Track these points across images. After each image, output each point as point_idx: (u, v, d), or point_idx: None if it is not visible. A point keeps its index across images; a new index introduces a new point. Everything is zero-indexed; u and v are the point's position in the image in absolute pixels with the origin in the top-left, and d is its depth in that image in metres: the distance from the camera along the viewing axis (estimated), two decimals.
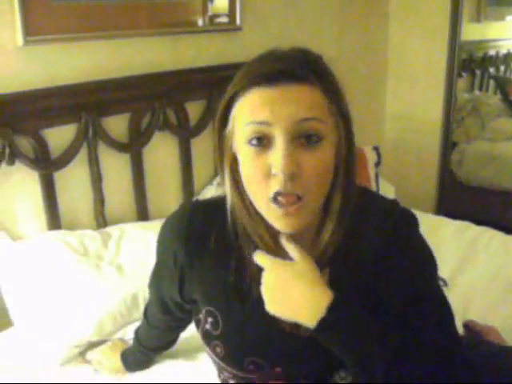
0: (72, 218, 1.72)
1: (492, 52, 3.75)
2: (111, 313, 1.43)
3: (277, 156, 0.76)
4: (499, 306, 1.64)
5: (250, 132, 0.78)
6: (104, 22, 1.65)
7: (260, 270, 0.86)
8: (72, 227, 1.69)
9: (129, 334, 1.41)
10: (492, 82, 3.80)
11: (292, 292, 0.82)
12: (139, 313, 1.43)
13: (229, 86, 0.83)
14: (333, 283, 0.85)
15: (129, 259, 1.61)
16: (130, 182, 1.86)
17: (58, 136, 1.63)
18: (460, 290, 1.73)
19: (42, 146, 1.59)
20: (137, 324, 1.30)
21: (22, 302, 1.48)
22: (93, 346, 1.41)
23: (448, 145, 3.09)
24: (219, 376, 0.99)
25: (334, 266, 0.87)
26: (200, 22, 1.94)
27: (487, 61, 3.73)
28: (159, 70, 1.85)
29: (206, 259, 0.91)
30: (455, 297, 1.54)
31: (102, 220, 1.77)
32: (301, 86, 0.78)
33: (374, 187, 2.02)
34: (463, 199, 3.44)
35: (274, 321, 0.86)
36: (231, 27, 2.03)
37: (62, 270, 1.50)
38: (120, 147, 1.79)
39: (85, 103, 1.64)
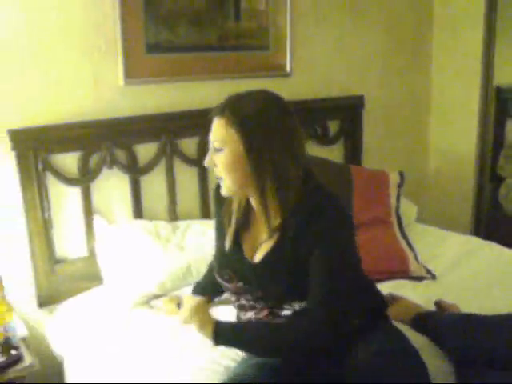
0: (151, 211, 2.32)
1: None
2: (171, 276, 1.98)
3: None
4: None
5: None
6: (181, 69, 2.27)
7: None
8: (150, 218, 2.29)
9: (183, 292, 1.95)
10: None
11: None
12: (192, 278, 1.97)
13: None
14: (276, 247, 1.37)
15: (190, 243, 2.17)
16: (196, 189, 2.44)
17: (144, 150, 2.24)
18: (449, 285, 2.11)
19: (132, 157, 2.21)
20: (190, 286, 1.84)
21: (111, 265, 2.08)
22: (155, 297, 1.97)
23: (484, 176, 3.43)
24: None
25: (279, 235, 1.37)
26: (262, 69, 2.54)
27: None
28: None
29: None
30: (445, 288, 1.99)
31: (173, 215, 2.36)
32: (220, 118, 1.33)
33: (394, 204, 2.47)
34: (509, 231, 3.72)
35: (240, 252, 1.43)
36: (283, 73, 2.59)
37: (141, 245, 2.09)
38: (190, 162, 2.37)
39: (164, 127, 2.25)
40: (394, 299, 1.84)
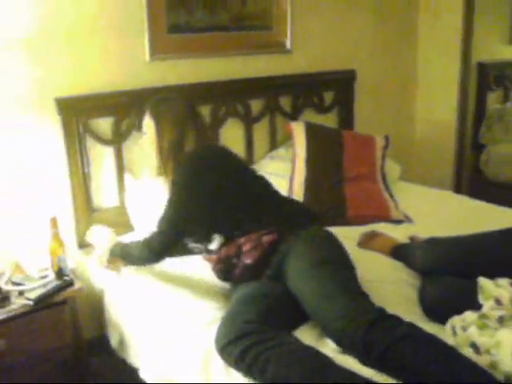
0: None
1: None
2: None
3: None
4: None
5: None
6: (197, 47, 2.67)
7: None
8: None
9: None
10: None
11: None
12: None
13: None
14: None
15: None
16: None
17: None
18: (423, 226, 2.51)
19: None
20: None
21: (139, 214, 2.48)
22: None
23: (463, 141, 3.84)
24: None
25: None
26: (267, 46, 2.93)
27: None
28: (234, 77, 2.83)
29: None
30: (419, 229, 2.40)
31: None
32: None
33: (379, 163, 2.87)
34: (489, 193, 4.13)
35: None
36: (284, 50, 2.98)
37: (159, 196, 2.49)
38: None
39: (183, 97, 2.64)
40: (376, 235, 2.26)
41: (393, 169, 3.05)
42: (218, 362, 1.61)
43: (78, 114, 2.38)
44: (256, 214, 1.91)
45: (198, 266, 2.13)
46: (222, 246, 1.91)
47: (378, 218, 2.53)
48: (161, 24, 2.53)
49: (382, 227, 2.43)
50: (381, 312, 1.52)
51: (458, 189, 3.85)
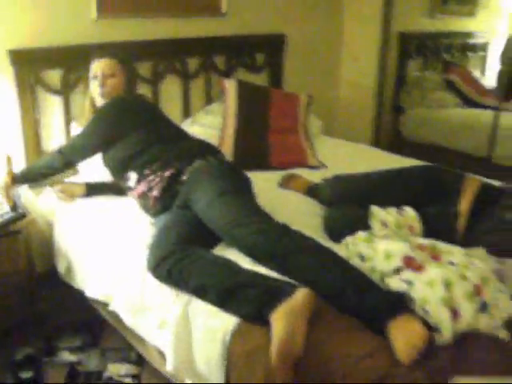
0: None
1: (447, 41, 4.84)
2: None
3: None
4: None
5: None
6: (140, 8, 2.93)
7: None
8: None
9: None
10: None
11: None
12: None
13: None
14: None
15: None
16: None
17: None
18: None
19: None
20: None
21: None
22: None
23: (382, 104, 4.25)
24: None
25: None
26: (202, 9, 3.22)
27: (440, 48, 4.83)
28: (173, 37, 3.11)
29: None
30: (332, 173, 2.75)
31: None
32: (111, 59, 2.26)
33: (302, 118, 3.24)
34: (404, 152, 4.57)
35: None
36: (219, 14, 3.28)
37: None
38: (145, 81, 3.05)
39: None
40: (293, 176, 2.64)
41: (315, 124, 3.43)
42: (152, 279, 1.94)
43: (29, 65, 2.63)
44: (162, 154, 2.27)
45: (131, 204, 2.44)
46: (137, 183, 2.27)
47: (296, 164, 2.91)
48: None
49: (300, 171, 2.80)
50: (285, 227, 1.88)
51: (376, 146, 4.26)
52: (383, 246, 1.74)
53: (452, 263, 1.61)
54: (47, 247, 2.62)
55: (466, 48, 4.93)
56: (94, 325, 2.63)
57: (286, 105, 3.21)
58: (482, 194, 2.10)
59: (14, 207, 2.43)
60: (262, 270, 1.80)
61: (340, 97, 4.28)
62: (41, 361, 2.40)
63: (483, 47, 4.89)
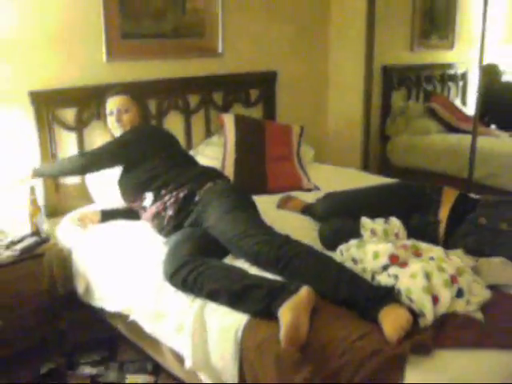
0: None
1: (428, 72, 5.18)
2: None
3: None
4: None
5: None
6: (145, 51, 3.24)
7: None
8: None
9: None
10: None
11: None
12: None
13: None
14: None
15: None
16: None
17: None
18: None
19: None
20: None
21: (98, 189, 3.02)
22: None
23: (368, 132, 4.55)
24: None
25: None
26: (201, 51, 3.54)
27: (421, 79, 5.17)
28: (175, 76, 3.41)
29: None
30: None
31: None
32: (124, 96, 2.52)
33: (295, 147, 3.53)
34: (393, 176, 4.85)
35: None
36: (216, 54, 3.60)
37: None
38: (151, 117, 3.34)
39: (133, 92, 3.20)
40: (290, 198, 2.90)
41: (308, 152, 3.72)
42: (168, 288, 2.18)
43: (46, 105, 2.91)
44: (178, 177, 2.56)
45: (143, 227, 2.69)
46: (153, 202, 2.53)
47: (292, 188, 3.18)
48: (115, 32, 3.09)
49: (295, 194, 3.07)
50: (287, 237, 2.14)
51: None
52: (372, 248, 2.00)
53: (432, 258, 1.87)
54: (67, 271, 2.85)
55: (446, 78, 5.27)
56: (111, 341, 2.85)
57: (280, 135, 3.49)
58: (459, 204, 2.37)
59: (37, 232, 2.68)
60: (267, 275, 2.05)
61: (329, 127, 4.59)
62: (64, 374, 2.60)
63: (463, 77, 5.20)
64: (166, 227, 2.47)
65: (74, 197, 3.07)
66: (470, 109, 5.13)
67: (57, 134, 2.99)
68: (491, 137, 4.62)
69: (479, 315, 1.76)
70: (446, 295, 1.73)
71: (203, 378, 2.09)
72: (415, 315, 1.73)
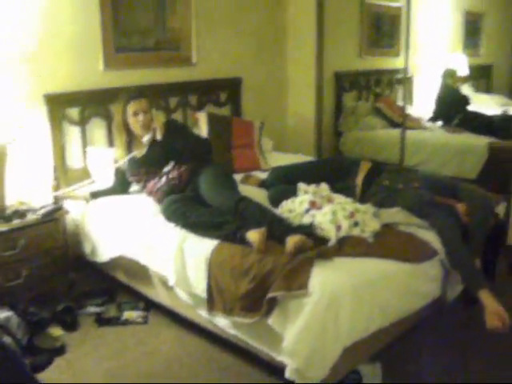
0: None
1: (376, 77, 6.03)
2: None
3: None
4: None
5: None
6: (134, 62, 4.04)
7: None
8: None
9: None
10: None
11: None
12: None
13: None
14: None
15: None
16: None
17: (114, 107, 3.99)
18: None
19: (107, 111, 3.95)
20: None
21: (97, 171, 3.82)
22: None
23: (321, 129, 5.38)
24: None
25: None
26: (179, 61, 4.35)
27: (370, 82, 6.01)
28: (158, 82, 4.22)
29: None
30: None
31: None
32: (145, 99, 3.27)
33: (257, 138, 4.36)
34: None
35: None
36: (190, 63, 4.42)
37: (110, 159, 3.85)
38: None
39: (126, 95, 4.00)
40: (250, 175, 3.73)
41: (267, 143, 4.56)
42: (157, 228, 3.00)
43: (57, 105, 3.69)
44: (192, 158, 3.37)
45: (142, 200, 3.49)
46: (173, 167, 3.32)
47: (253, 168, 4.01)
48: (110, 46, 3.89)
49: (256, 173, 3.90)
50: (244, 196, 2.98)
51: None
52: (299, 199, 2.84)
53: (339, 203, 2.71)
54: (76, 236, 3.63)
55: (393, 82, 6.14)
56: (110, 290, 3.63)
57: (244, 128, 4.32)
58: (372, 172, 3.22)
59: (55, 202, 3.47)
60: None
61: (288, 124, 5.43)
62: (75, 311, 3.37)
63: (409, 80, 6.01)
64: (179, 185, 3.25)
65: (79, 177, 3.83)
66: (416, 108, 6.02)
67: (65, 129, 3.77)
68: (424, 130, 5.49)
69: (370, 239, 2.59)
70: (345, 224, 2.57)
71: (182, 295, 2.89)
72: (325, 239, 2.56)
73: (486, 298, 2.53)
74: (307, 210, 2.73)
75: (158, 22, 4.15)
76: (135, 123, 3.32)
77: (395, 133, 5.31)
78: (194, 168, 3.29)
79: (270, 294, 2.30)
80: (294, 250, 2.42)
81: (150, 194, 3.37)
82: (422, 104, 6.17)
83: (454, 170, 4.84)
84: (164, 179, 3.30)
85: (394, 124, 5.66)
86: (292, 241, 2.47)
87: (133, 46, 4.04)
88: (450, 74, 5.90)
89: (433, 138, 5.28)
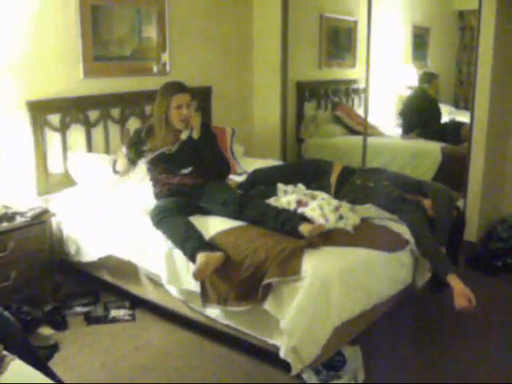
0: (97, 148, 4.22)
1: (334, 87, 6.31)
2: None
3: None
4: None
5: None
6: (111, 71, 4.19)
7: None
8: (97, 151, 4.19)
9: None
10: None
11: None
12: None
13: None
14: None
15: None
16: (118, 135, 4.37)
17: (92, 114, 4.12)
18: None
19: (86, 117, 4.09)
20: None
21: (79, 174, 3.94)
22: None
23: (285, 135, 5.64)
24: None
25: None
26: (154, 70, 4.53)
27: (328, 92, 6.30)
28: (134, 90, 4.38)
29: None
30: None
31: (107, 150, 4.27)
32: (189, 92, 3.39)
33: (229, 144, 4.57)
34: None
35: None
36: (164, 72, 4.60)
37: (92, 163, 3.97)
38: (116, 121, 4.29)
39: (104, 102, 4.15)
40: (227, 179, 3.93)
41: (239, 149, 4.78)
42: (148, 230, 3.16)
43: (39, 111, 3.80)
44: (211, 172, 3.50)
45: (130, 198, 3.64)
46: (190, 173, 3.43)
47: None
48: (89, 55, 4.03)
49: (230, 177, 4.10)
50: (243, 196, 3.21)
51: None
52: (285, 199, 3.07)
53: (323, 199, 2.95)
54: (61, 239, 3.73)
55: (350, 91, 6.43)
56: (94, 291, 3.75)
57: (217, 135, 4.50)
58: (344, 173, 3.48)
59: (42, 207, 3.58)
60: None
61: (255, 130, 5.66)
62: (63, 312, 3.48)
63: (364, 90, 6.31)
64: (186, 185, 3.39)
65: (59, 181, 3.94)
66: (371, 116, 6.31)
67: (46, 134, 3.88)
68: (383, 137, 5.81)
69: (352, 231, 2.84)
70: (332, 218, 2.81)
71: (173, 291, 3.06)
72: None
73: (455, 282, 2.81)
74: (295, 209, 2.96)
75: (133, 32, 4.32)
76: (177, 116, 3.32)
77: (355, 139, 5.56)
78: (206, 182, 3.42)
79: (266, 281, 2.51)
80: (314, 235, 2.70)
81: (157, 183, 3.49)
82: (375, 113, 6.46)
83: (411, 172, 5.14)
84: (177, 179, 3.42)
85: (353, 131, 5.93)
86: (306, 229, 2.70)
87: (110, 56, 4.19)
88: (425, 79, 5.92)
89: (391, 144, 5.60)
